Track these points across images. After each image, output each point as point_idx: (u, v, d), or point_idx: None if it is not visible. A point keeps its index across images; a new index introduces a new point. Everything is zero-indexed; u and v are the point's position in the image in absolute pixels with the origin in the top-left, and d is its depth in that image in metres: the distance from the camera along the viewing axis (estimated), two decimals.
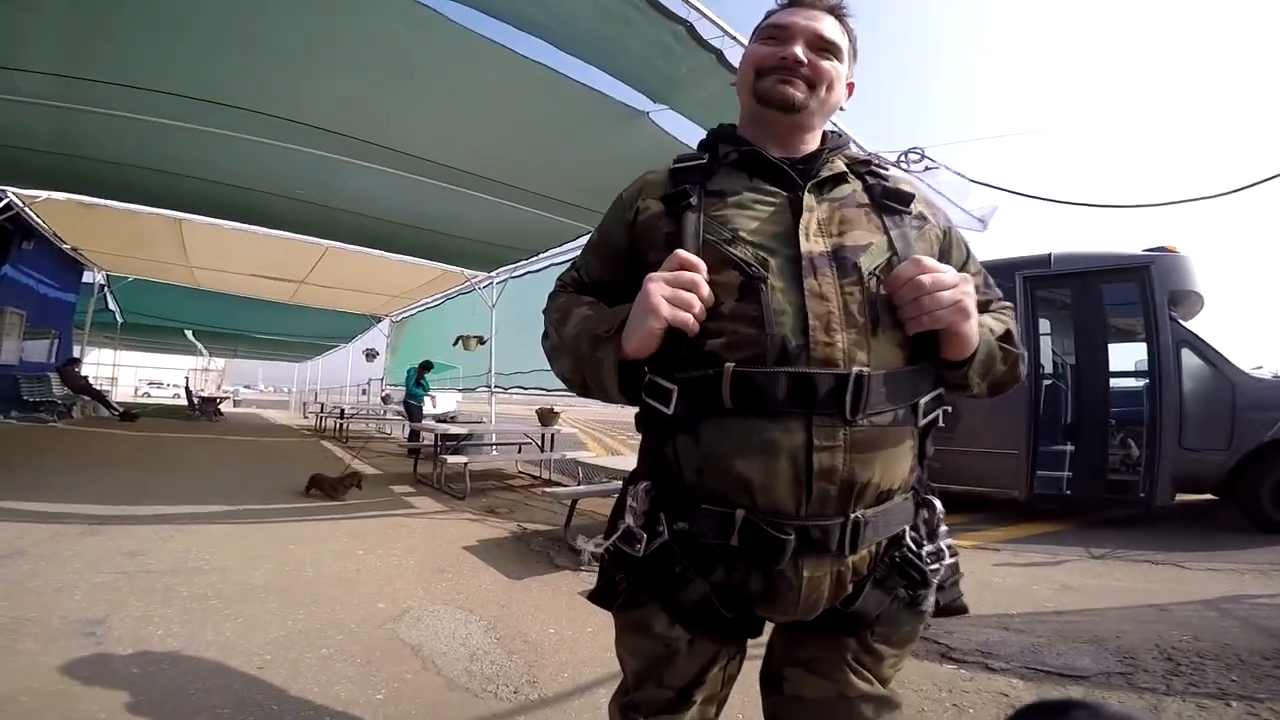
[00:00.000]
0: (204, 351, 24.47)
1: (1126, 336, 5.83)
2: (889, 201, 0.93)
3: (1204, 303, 5.78)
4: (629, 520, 0.88)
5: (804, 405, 0.79)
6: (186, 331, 19.13)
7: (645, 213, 0.95)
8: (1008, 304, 1.03)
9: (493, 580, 3.63)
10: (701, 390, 0.82)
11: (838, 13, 0.97)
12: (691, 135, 4.41)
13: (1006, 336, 0.93)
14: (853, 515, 0.81)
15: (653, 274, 0.83)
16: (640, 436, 0.95)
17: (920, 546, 0.88)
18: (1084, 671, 2.37)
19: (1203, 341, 5.16)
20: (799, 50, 0.92)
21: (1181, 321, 5.32)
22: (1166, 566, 3.96)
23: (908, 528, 0.88)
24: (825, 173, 0.93)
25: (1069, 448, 5.62)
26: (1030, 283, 5.76)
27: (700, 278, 0.81)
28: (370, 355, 17.17)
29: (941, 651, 2.55)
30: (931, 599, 0.89)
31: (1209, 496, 5.37)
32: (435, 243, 7.93)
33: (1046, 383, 5.93)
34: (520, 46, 3.57)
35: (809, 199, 0.89)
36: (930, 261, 0.83)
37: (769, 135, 0.97)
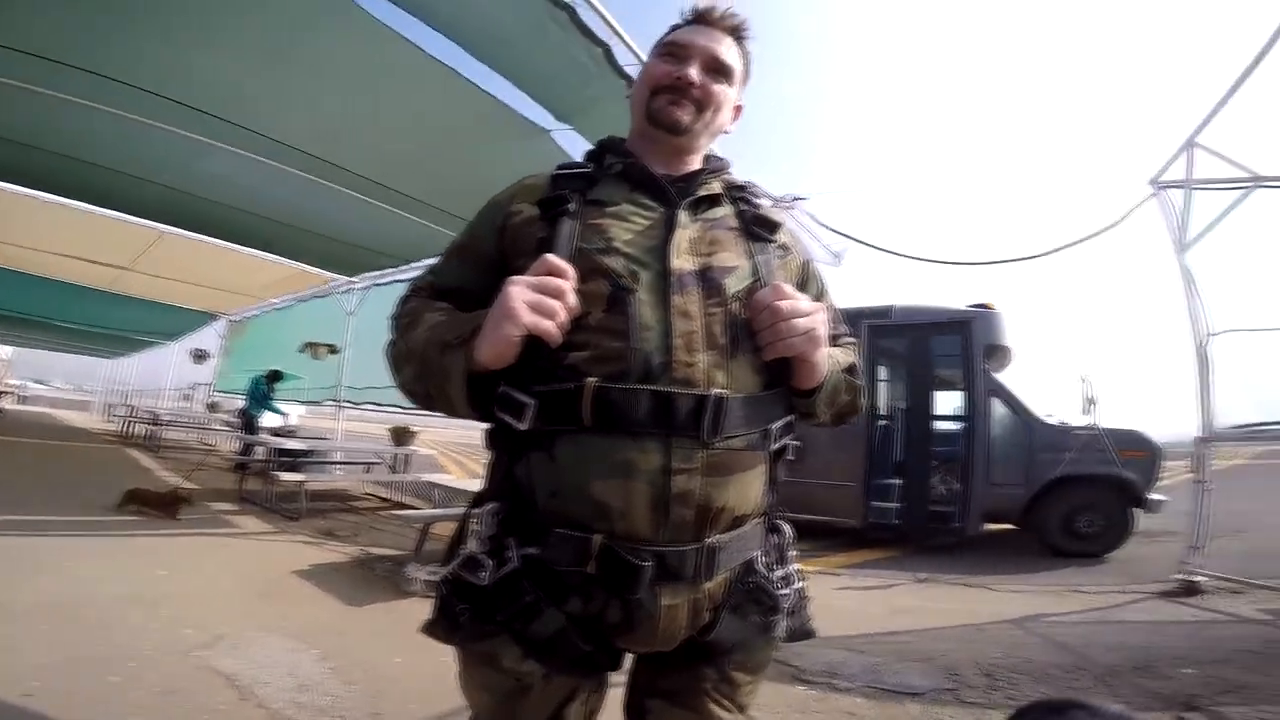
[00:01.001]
0: None
1: (948, 385, 6.56)
2: (757, 228, 0.95)
3: (1012, 356, 6.69)
4: (473, 546, 0.80)
5: (663, 425, 0.77)
6: None
7: (518, 216, 0.92)
8: (853, 340, 1.08)
9: (327, 607, 3.35)
10: (560, 405, 0.78)
11: (738, 34, 0.99)
12: None
13: (851, 369, 0.97)
14: (707, 541, 0.80)
15: (514, 278, 0.78)
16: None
17: (771, 571, 0.89)
18: (918, 689, 2.57)
19: (1008, 391, 5.97)
20: (693, 72, 0.93)
21: (993, 373, 6.11)
22: (978, 589, 4.44)
23: (759, 553, 0.88)
24: (701, 192, 0.95)
25: (898, 482, 6.22)
26: (873, 331, 6.34)
27: (567, 285, 0.78)
28: (199, 356, 15.10)
29: (793, 674, 2.67)
30: (783, 624, 0.90)
31: (1010, 526, 6.14)
32: (294, 239, 7.16)
33: (881, 423, 6.53)
34: (424, 42, 3.39)
35: (683, 216, 0.90)
36: (789, 289, 0.84)
37: (654, 152, 0.97)
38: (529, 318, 0.75)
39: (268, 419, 10.01)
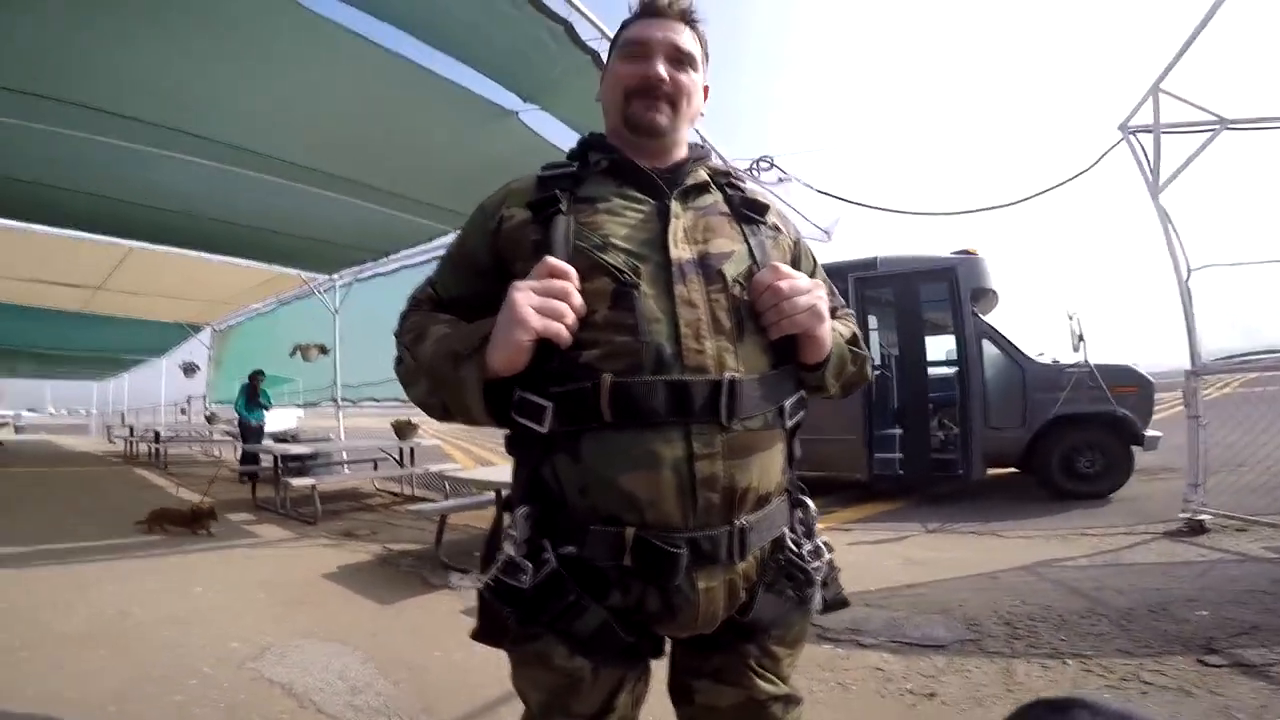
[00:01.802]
0: None
1: (939, 330, 6.61)
2: (747, 211, 0.97)
3: (999, 299, 6.75)
4: (510, 550, 0.81)
5: (682, 414, 0.78)
6: None
7: (510, 221, 0.91)
8: (849, 311, 1.11)
9: (361, 607, 3.40)
10: (579, 404, 0.79)
11: (690, 19, 0.99)
12: (561, 136, 4.33)
13: (854, 340, 1.01)
14: (737, 523, 0.82)
15: (519, 283, 0.79)
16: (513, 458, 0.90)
17: (801, 547, 0.91)
18: (941, 641, 2.64)
19: (999, 333, 6.01)
20: (661, 69, 0.94)
21: (981, 316, 6.17)
22: (988, 536, 4.51)
23: (786, 530, 0.91)
24: (690, 181, 0.96)
25: (899, 432, 6.30)
26: (860, 283, 6.37)
27: (572, 286, 0.79)
28: (189, 370, 15.05)
29: (817, 633, 2.72)
30: (818, 597, 0.92)
31: (1012, 470, 6.26)
32: (265, 241, 7.05)
33: (876, 373, 6.57)
34: (376, 35, 3.32)
35: (675, 206, 0.91)
36: (786, 268, 0.87)
37: (637, 149, 0.98)
38: (539, 322, 0.76)
39: (270, 421, 9.91)
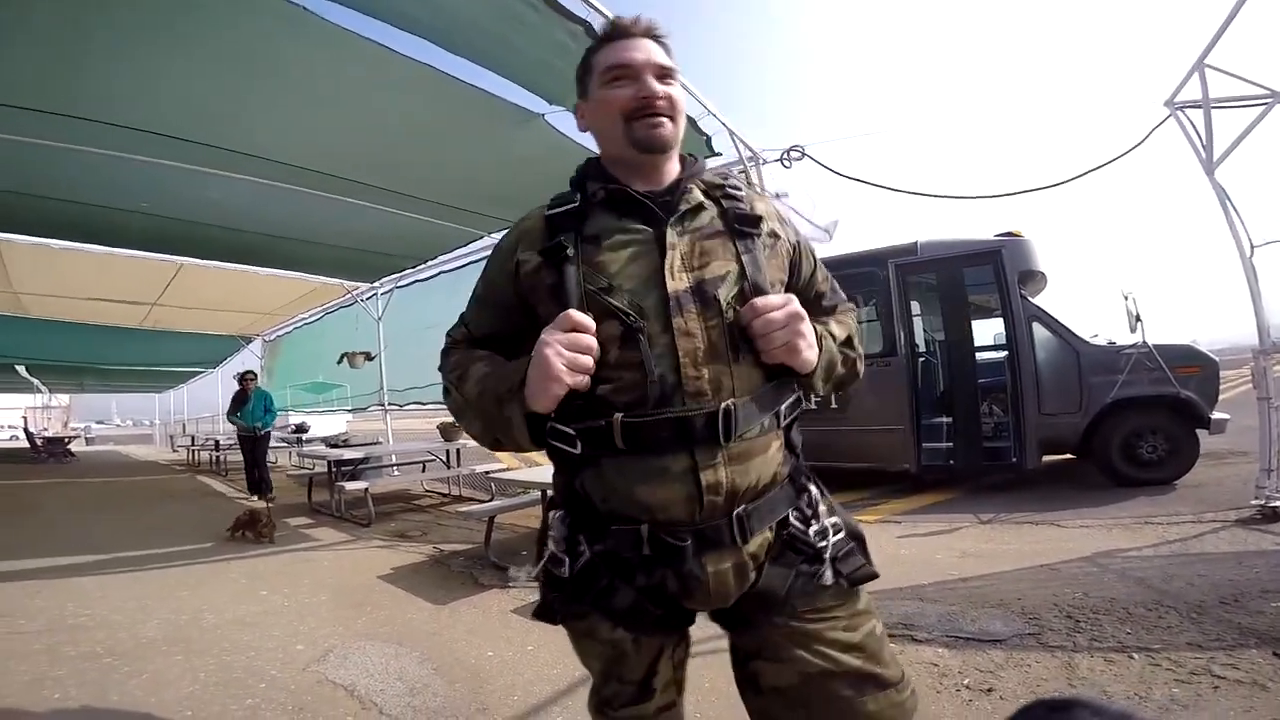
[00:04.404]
0: (42, 388, 21.45)
1: (985, 314, 6.43)
2: (741, 226, 1.00)
3: (1047, 281, 6.51)
4: (552, 546, 0.98)
5: (686, 441, 0.88)
6: (18, 367, 16.57)
7: (526, 265, 0.99)
8: (850, 306, 1.18)
9: (417, 608, 3.49)
10: (597, 436, 0.91)
11: (655, 35, 1.01)
12: (587, 136, 4.35)
13: (847, 341, 1.07)
14: (736, 512, 0.91)
15: (547, 337, 0.88)
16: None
17: (807, 525, 0.98)
18: (999, 635, 2.57)
19: (1049, 315, 5.78)
20: (655, 86, 0.97)
21: (1030, 298, 5.96)
22: (1046, 526, 4.36)
23: (791, 511, 0.98)
24: (684, 206, 0.99)
25: (948, 421, 6.13)
26: (900, 269, 6.22)
27: (592, 340, 0.88)
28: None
29: None
30: (828, 571, 0.97)
31: (1069, 456, 6.03)
32: (308, 253, 7.28)
33: (921, 359, 6.39)
34: (401, 45, 3.36)
35: (671, 235, 0.96)
36: (761, 303, 0.91)
37: (636, 172, 1.01)
38: (570, 379, 0.87)
39: (319, 426, 9.97)
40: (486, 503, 5.84)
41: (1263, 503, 3.98)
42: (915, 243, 6.34)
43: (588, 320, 0.89)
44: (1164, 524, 4.08)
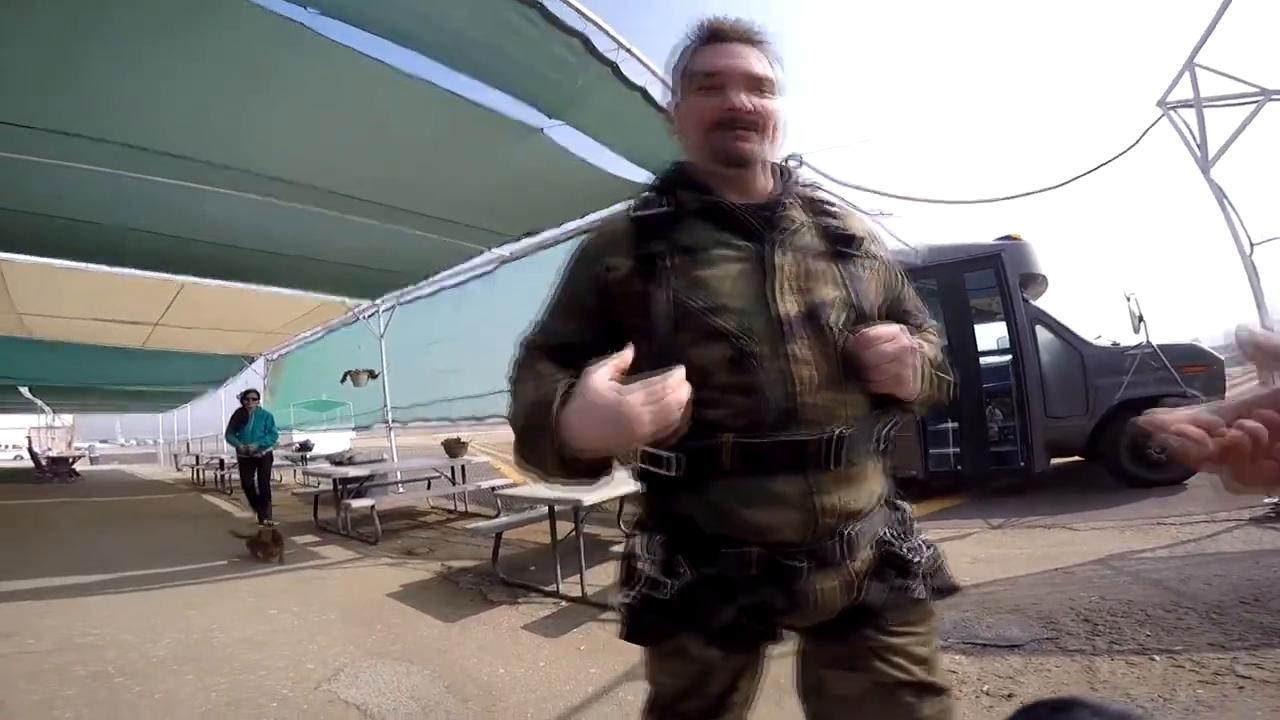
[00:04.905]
0: (46, 409, 21.49)
1: (988, 318, 6.43)
2: (842, 247, 0.98)
3: (1049, 283, 6.51)
4: (648, 570, 0.93)
5: (797, 466, 0.87)
6: (22, 388, 16.62)
7: (616, 272, 0.95)
8: (933, 324, 1.13)
9: (427, 626, 3.46)
10: (705, 458, 0.88)
11: (756, 40, 0.96)
12: (588, 150, 4.37)
13: (940, 364, 1.04)
14: (845, 531, 0.90)
15: (632, 402, 0.77)
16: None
17: (902, 541, 0.97)
18: (1016, 640, 2.55)
19: (1052, 318, 5.79)
20: (743, 99, 0.92)
21: (1032, 301, 5.96)
22: (1057, 529, 4.33)
23: (886, 529, 0.97)
24: (787, 224, 0.96)
25: (954, 426, 6.10)
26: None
27: (684, 398, 0.79)
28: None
29: None
30: (921, 585, 0.97)
31: (1077, 459, 5.99)
32: (309, 271, 7.26)
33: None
34: (400, 61, 3.39)
35: (776, 255, 0.92)
36: (874, 334, 0.89)
37: (728, 183, 0.98)
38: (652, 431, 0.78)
39: (323, 443, 9.95)
40: (493, 519, 5.81)
41: (1276, 500, 3.95)
42: (915, 248, 6.35)
43: (681, 394, 0.79)
44: (1177, 524, 4.05)
